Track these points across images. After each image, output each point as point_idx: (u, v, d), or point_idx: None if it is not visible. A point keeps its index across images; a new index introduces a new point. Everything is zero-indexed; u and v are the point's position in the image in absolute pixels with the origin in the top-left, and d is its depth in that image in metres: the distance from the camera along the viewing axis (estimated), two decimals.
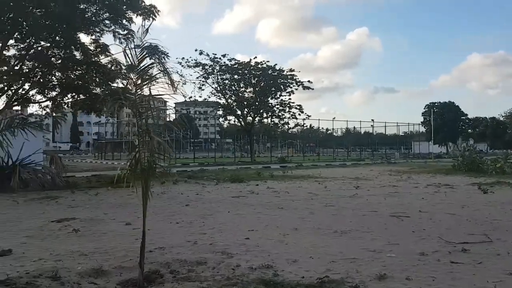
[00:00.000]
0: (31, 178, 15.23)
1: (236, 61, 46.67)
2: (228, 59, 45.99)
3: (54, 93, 20.27)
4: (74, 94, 20.30)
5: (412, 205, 11.90)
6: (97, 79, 19.30)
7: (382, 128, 65.71)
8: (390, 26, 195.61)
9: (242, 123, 49.04)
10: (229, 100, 48.56)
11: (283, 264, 5.88)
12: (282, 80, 47.93)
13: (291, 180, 20.43)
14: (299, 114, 49.41)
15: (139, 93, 5.47)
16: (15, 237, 7.75)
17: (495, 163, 24.40)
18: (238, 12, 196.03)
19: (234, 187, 17.15)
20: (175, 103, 46.56)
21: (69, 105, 21.76)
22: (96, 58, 19.06)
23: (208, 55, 45.32)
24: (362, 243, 7.18)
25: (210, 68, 46.03)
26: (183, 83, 42.75)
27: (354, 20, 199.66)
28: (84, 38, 18.99)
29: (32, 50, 18.61)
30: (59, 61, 18.99)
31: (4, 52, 18.43)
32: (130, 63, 5.37)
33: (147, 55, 5.34)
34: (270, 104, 49.05)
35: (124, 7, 18.29)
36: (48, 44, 18.62)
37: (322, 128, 78.57)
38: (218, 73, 46.60)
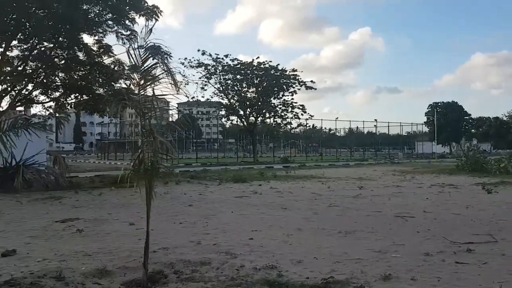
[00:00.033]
0: (34, 179, 15.25)
1: (239, 61, 46.73)
2: (230, 59, 46.06)
3: (57, 94, 20.32)
4: (77, 94, 20.33)
5: (417, 205, 11.86)
6: (100, 79, 19.33)
7: (385, 128, 65.56)
8: (393, 26, 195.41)
9: (245, 123, 49.03)
10: (232, 100, 48.56)
11: (287, 264, 5.86)
12: (284, 80, 47.88)
13: (294, 180, 20.40)
14: (302, 114, 49.44)
15: (142, 93, 5.46)
16: (19, 237, 7.76)
17: (499, 163, 24.31)
18: (241, 12, 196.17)
19: (237, 187, 17.13)
20: (177, 103, 46.47)
21: (72, 106, 21.82)
22: (99, 59, 19.10)
23: (210, 55, 45.40)
24: (366, 244, 7.15)
25: (213, 68, 46.06)
26: (185, 84, 42.79)
27: (357, 20, 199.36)
28: (87, 39, 19.06)
29: (35, 51, 18.66)
30: (63, 62, 19.03)
31: (8, 53, 18.48)
32: (133, 63, 5.36)
33: (150, 56, 5.33)
34: (272, 104, 49.03)
35: (127, 7, 18.30)
36: (51, 45, 18.65)
37: (325, 128, 78.52)
38: (220, 73, 46.63)
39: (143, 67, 5.38)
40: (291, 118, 49.49)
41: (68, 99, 20.76)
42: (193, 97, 46.20)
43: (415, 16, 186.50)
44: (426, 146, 67.22)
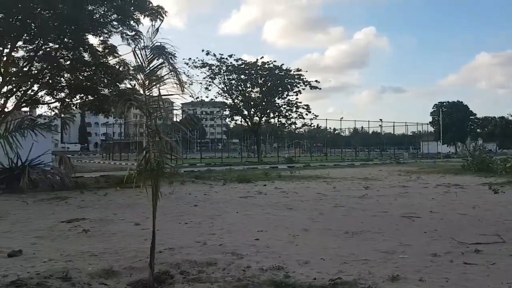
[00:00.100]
0: (40, 179, 15.32)
1: (243, 61, 46.71)
2: (234, 59, 46.07)
3: (62, 94, 20.36)
4: (82, 95, 20.37)
5: (423, 205, 11.79)
6: (105, 80, 19.35)
7: (391, 128, 65.37)
8: (398, 26, 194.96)
9: (249, 123, 48.99)
10: (236, 100, 48.57)
11: (294, 265, 5.82)
12: (289, 80, 47.79)
13: (299, 180, 20.35)
14: (306, 114, 49.33)
15: (148, 93, 5.45)
16: (25, 237, 7.78)
17: (505, 163, 24.16)
18: (245, 12, 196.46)
19: (242, 187, 17.11)
20: (182, 104, 46.64)
21: (78, 106, 21.84)
22: (104, 59, 19.10)
23: (215, 55, 45.45)
24: (373, 244, 7.11)
25: (217, 69, 46.09)
26: (190, 84, 42.84)
27: (362, 19, 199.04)
28: (93, 40, 19.05)
29: (40, 52, 18.69)
30: (68, 63, 19.06)
31: (13, 54, 18.53)
32: (139, 63, 5.34)
33: (156, 56, 5.32)
34: (277, 104, 48.95)
35: (132, 8, 18.31)
36: (57, 46, 18.68)
37: (330, 128, 78.16)
38: (224, 73, 46.64)
39: (148, 68, 5.37)
40: (296, 118, 49.46)
41: (73, 100, 20.80)
42: (197, 97, 46.22)
43: (420, 16, 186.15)
44: (432, 146, 66.97)
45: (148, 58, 5.33)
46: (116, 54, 19.09)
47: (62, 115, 21.44)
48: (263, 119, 49.27)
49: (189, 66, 44.12)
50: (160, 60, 5.34)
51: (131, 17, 18.40)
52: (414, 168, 30.02)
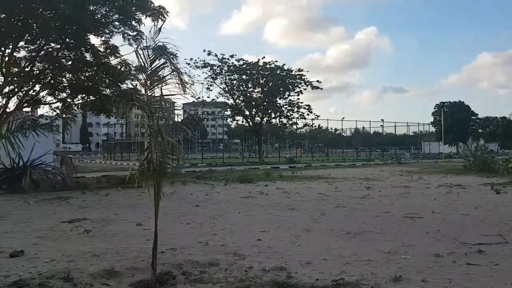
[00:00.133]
0: (42, 179, 15.33)
1: (244, 62, 46.68)
2: (236, 60, 46.03)
3: (64, 94, 20.36)
4: (84, 95, 20.36)
5: (425, 205, 11.76)
6: (107, 80, 19.34)
7: (392, 128, 65.24)
8: (399, 26, 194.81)
9: (250, 124, 48.98)
10: (237, 101, 48.52)
11: (296, 266, 5.81)
12: (290, 80, 47.75)
13: (301, 180, 20.34)
14: (308, 114, 49.24)
15: (150, 93, 5.44)
16: (27, 237, 7.77)
17: (507, 163, 24.10)
18: (246, 12, 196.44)
19: (243, 187, 17.10)
20: (183, 104, 46.67)
21: (79, 106, 21.83)
22: (106, 60, 19.10)
23: (216, 55, 45.41)
24: (376, 245, 7.08)
25: (218, 69, 46.08)
26: (191, 84, 42.82)
27: (363, 19, 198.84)
28: (94, 40, 19.05)
29: (42, 52, 18.70)
30: (69, 63, 19.06)
31: (15, 54, 18.54)
32: (142, 63, 5.33)
33: (158, 56, 5.31)
34: (278, 104, 48.91)
35: (133, 8, 18.30)
36: (58, 46, 18.69)
37: (331, 128, 78.23)
38: (226, 74, 46.62)
39: (151, 68, 5.36)
40: (297, 118, 49.36)
41: (75, 100, 20.80)
42: (199, 98, 46.26)
43: (421, 16, 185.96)
44: (433, 146, 66.90)
45: (151, 58, 5.32)
46: (117, 54, 19.09)
47: (64, 115, 21.45)
48: (265, 119, 49.25)
49: (190, 66, 44.18)
50: (162, 60, 5.34)
51: (132, 17, 18.39)
52: (415, 168, 29.97)
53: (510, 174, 21.83)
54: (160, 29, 5.17)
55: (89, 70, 19.33)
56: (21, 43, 18.30)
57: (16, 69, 19.00)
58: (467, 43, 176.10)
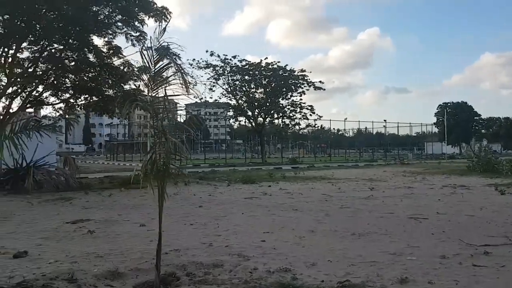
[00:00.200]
0: (45, 180, 15.34)
1: (247, 62, 46.72)
2: (238, 60, 46.07)
3: (67, 95, 20.40)
4: (87, 96, 20.40)
5: (429, 206, 11.69)
6: (109, 81, 19.37)
7: (395, 128, 65.21)
8: (402, 26, 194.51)
9: (253, 124, 48.98)
10: (240, 101, 48.55)
11: (301, 267, 5.76)
12: (293, 81, 47.75)
13: (304, 181, 20.29)
14: (310, 115, 49.25)
15: (154, 94, 5.41)
16: (30, 238, 7.76)
17: (511, 164, 23.97)
18: (248, 13, 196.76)
19: (246, 188, 17.06)
20: (186, 104, 46.76)
21: (82, 107, 21.87)
22: (109, 60, 19.12)
23: (218, 56, 45.47)
24: (381, 246, 7.03)
25: (221, 69, 46.11)
26: (194, 85, 42.84)
27: (365, 20, 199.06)
28: (97, 41, 19.08)
29: (45, 53, 18.74)
30: (73, 64, 19.09)
31: (18, 55, 18.60)
32: (145, 64, 5.31)
33: (162, 56, 5.28)
34: (281, 105, 48.89)
35: (136, 9, 18.33)
36: (62, 47, 18.73)
37: (334, 128, 78.38)
38: (228, 74, 46.64)
39: (154, 68, 5.33)
40: (300, 118, 49.42)
41: (78, 101, 20.84)
42: (201, 98, 46.27)
43: (424, 16, 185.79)
44: (436, 147, 66.77)
45: (155, 59, 5.29)
46: (120, 55, 19.12)
47: (67, 116, 21.51)
48: (267, 119, 49.23)
49: (193, 67, 44.22)
50: (166, 61, 5.31)
51: (135, 18, 18.42)
52: (418, 169, 29.88)
53: None
54: (165, 29, 5.15)
55: (92, 70, 19.35)
56: (24, 44, 18.36)
57: (19, 70, 19.05)
58: (469, 44, 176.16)
